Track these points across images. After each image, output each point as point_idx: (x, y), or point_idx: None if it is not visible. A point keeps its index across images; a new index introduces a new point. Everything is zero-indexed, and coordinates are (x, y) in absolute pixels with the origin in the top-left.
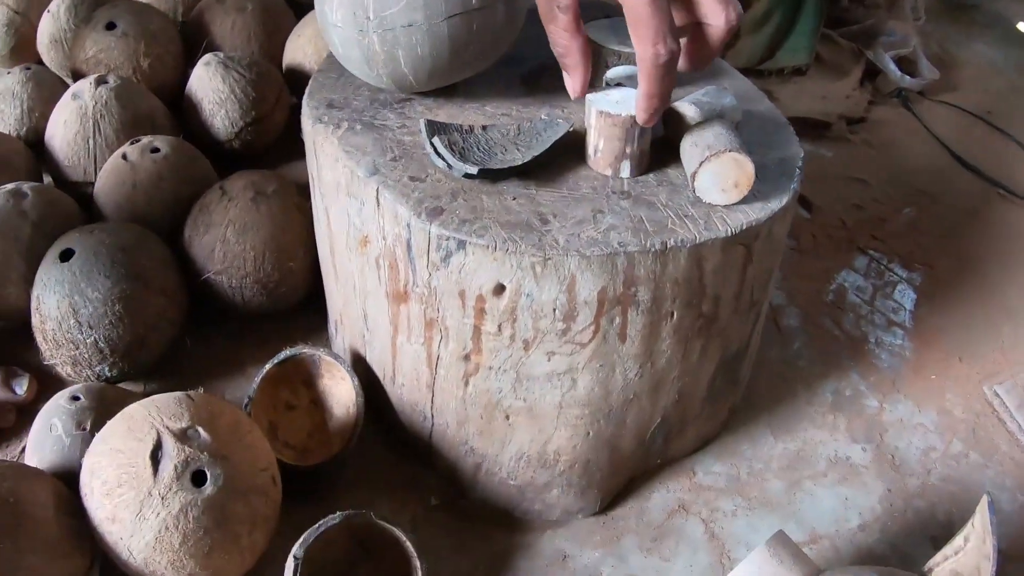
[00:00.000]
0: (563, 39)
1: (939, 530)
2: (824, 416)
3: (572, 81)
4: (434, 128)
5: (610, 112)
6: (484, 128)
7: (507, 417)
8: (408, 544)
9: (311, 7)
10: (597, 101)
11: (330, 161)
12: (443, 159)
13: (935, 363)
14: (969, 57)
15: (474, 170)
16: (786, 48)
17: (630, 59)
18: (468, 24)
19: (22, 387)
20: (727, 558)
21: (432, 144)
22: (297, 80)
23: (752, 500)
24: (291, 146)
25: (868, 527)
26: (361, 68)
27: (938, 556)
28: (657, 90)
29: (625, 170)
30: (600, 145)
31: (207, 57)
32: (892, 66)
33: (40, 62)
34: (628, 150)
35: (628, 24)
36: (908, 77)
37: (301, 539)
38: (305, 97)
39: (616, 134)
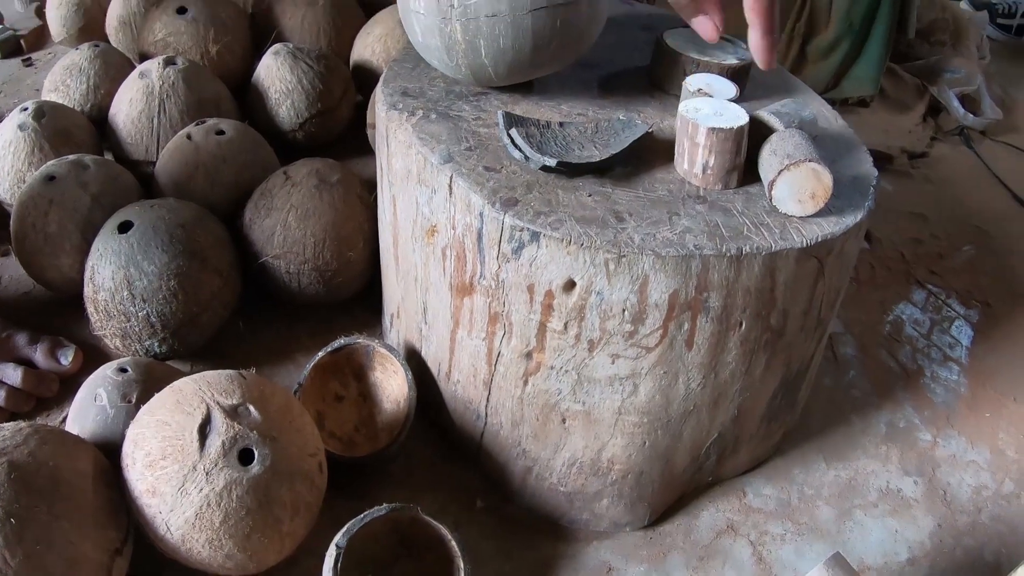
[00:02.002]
0: None
1: (987, 570)
2: (877, 446)
3: (713, 20)
4: (512, 120)
5: (722, 127)
6: (561, 124)
7: (563, 420)
8: (453, 543)
9: (381, 6)
10: (694, 116)
11: (402, 148)
12: (520, 150)
13: (989, 401)
14: None
15: (552, 162)
16: (852, 77)
17: (708, 68)
18: (552, 18)
19: (67, 358)
20: None
21: (509, 135)
22: (364, 77)
23: (801, 526)
24: (354, 142)
25: (917, 562)
26: (440, 57)
27: None
28: (774, 25)
29: (735, 181)
30: (711, 162)
31: (276, 47)
32: (956, 103)
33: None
34: (738, 161)
35: None
36: (971, 115)
37: (345, 528)
38: (380, 84)
39: (729, 148)
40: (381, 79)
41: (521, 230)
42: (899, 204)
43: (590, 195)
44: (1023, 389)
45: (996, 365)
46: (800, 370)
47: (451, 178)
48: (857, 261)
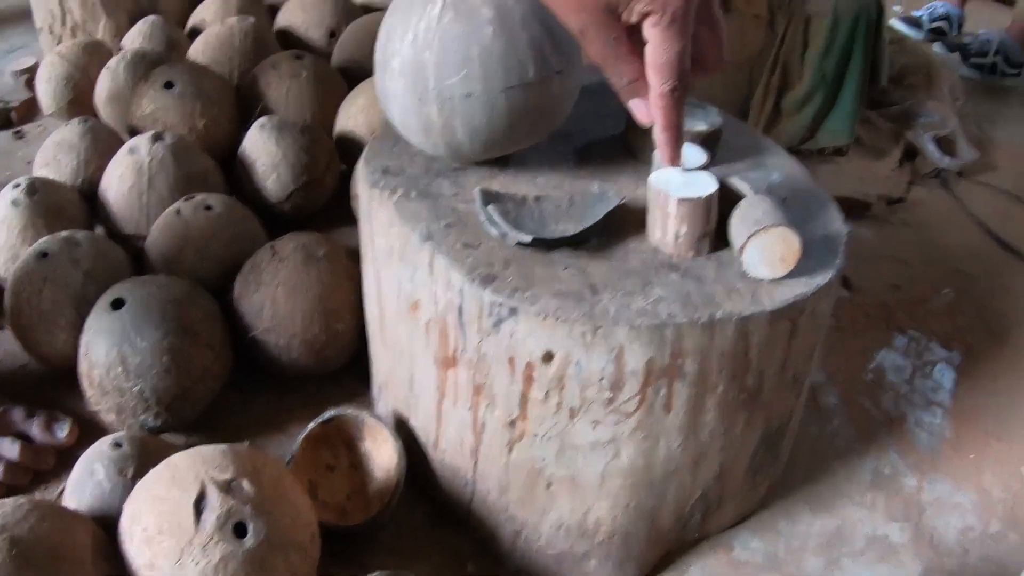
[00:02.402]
0: (626, 64)
1: None
2: (862, 494)
3: (646, 106)
4: (489, 197)
5: (691, 197)
6: (537, 199)
7: (549, 485)
8: None
9: (363, 76)
10: (664, 187)
11: (384, 227)
12: (497, 227)
13: (974, 443)
14: (1007, 137)
15: (527, 238)
16: (826, 129)
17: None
18: (525, 96)
19: (63, 431)
20: None
21: (487, 212)
22: (348, 147)
23: None
24: (339, 211)
25: None
26: (418, 136)
27: None
28: (674, 121)
29: (706, 248)
30: (682, 230)
31: (262, 120)
32: (931, 147)
33: (96, 117)
34: (708, 228)
35: (650, 63)
36: (947, 158)
37: None
38: (361, 163)
39: (699, 216)
40: (363, 157)
41: (500, 306)
42: (878, 250)
43: (566, 268)
44: (1007, 428)
45: (979, 405)
46: (780, 425)
47: (431, 256)
48: (838, 310)
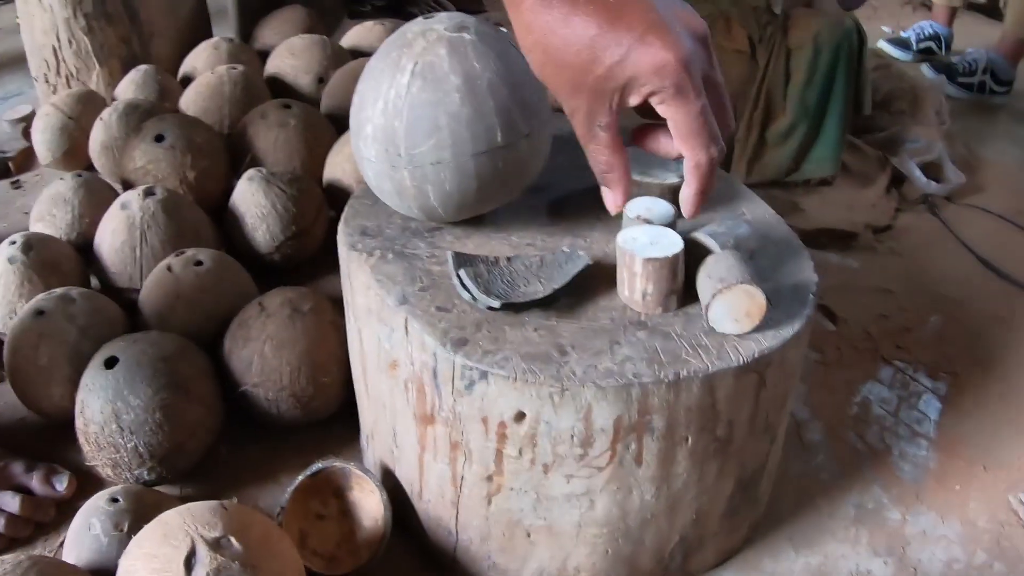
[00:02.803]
0: (604, 156)
1: None
2: (846, 529)
3: (614, 196)
4: (461, 260)
5: (656, 256)
6: (509, 260)
7: (528, 535)
8: None
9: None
10: (631, 247)
11: (363, 288)
12: (468, 292)
13: (959, 472)
14: (995, 157)
15: (497, 304)
16: (811, 160)
17: (649, 189)
18: (494, 161)
19: (62, 484)
20: None
21: (459, 276)
22: (337, 195)
23: None
24: (329, 258)
25: None
26: (393, 199)
27: None
28: (708, 187)
29: (674, 304)
30: (649, 289)
31: (250, 172)
32: (917, 173)
33: (91, 166)
34: (675, 286)
35: (677, 137)
36: (934, 183)
37: None
38: (341, 223)
39: (665, 275)
40: (342, 218)
41: (471, 369)
42: (864, 281)
43: (535, 329)
44: (992, 456)
45: (965, 434)
46: (755, 470)
47: (406, 319)
48: (823, 342)
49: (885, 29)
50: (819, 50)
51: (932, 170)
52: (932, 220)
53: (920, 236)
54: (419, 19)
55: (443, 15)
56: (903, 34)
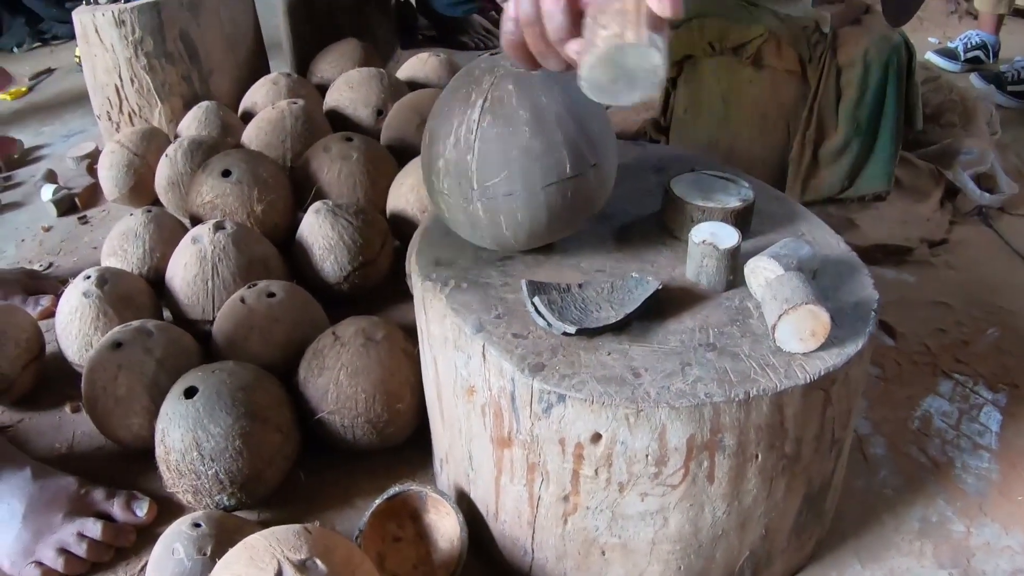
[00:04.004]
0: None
1: None
2: (911, 543)
3: None
4: (535, 288)
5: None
6: (580, 286)
7: (603, 552)
8: None
9: (410, 154)
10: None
11: (438, 317)
12: (544, 318)
13: (1022, 483)
14: None
15: (572, 329)
16: (865, 176)
17: (712, 214)
18: (563, 191)
19: (142, 510)
20: None
21: (533, 304)
22: (400, 225)
23: None
24: (395, 287)
25: None
26: (466, 230)
27: None
28: None
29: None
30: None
31: (317, 205)
32: (971, 185)
33: (157, 201)
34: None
35: None
36: (987, 194)
37: None
38: (415, 254)
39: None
40: (416, 249)
41: (549, 393)
42: (922, 295)
43: (609, 353)
44: None
45: None
46: (822, 485)
47: (483, 346)
48: (882, 359)
49: (932, 40)
50: (869, 67)
51: (985, 181)
52: (987, 232)
53: (975, 248)
54: (485, 55)
55: None
56: (950, 44)
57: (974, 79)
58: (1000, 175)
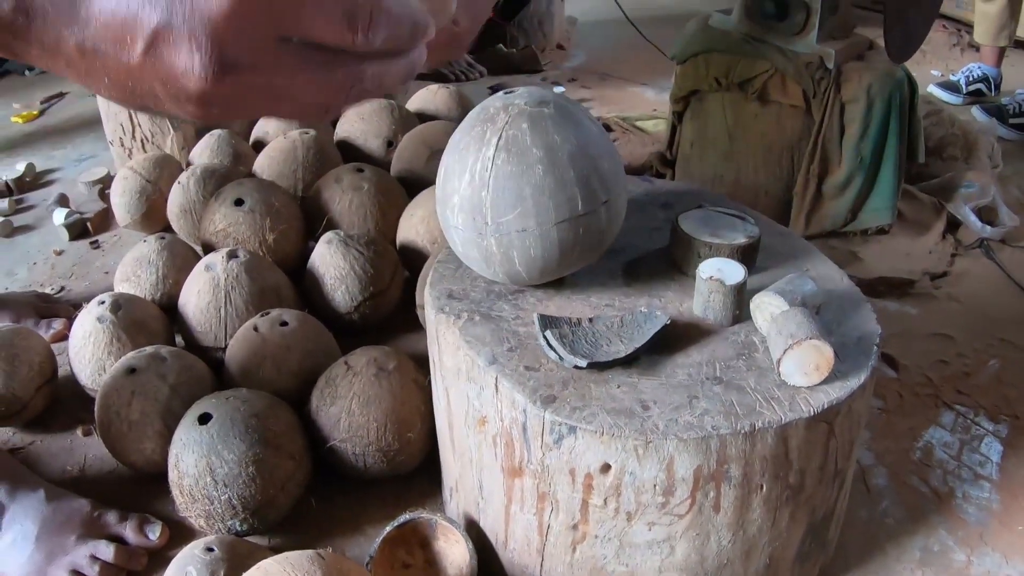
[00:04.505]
0: None
1: None
2: (913, 572)
3: None
4: (546, 322)
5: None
6: (591, 320)
7: None
8: None
9: (420, 185)
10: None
11: (451, 349)
12: (555, 352)
13: (1022, 513)
14: None
15: (583, 363)
16: (868, 210)
17: (719, 250)
18: (575, 228)
19: (155, 533)
20: None
21: (545, 337)
22: (410, 256)
23: None
24: (405, 316)
25: None
26: (479, 265)
27: None
28: None
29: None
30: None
31: (328, 235)
32: (972, 218)
33: (168, 227)
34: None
35: None
36: (989, 227)
37: None
38: (428, 287)
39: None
40: (428, 282)
41: (560, 424)
42: (923, 327)
43: (619, 386)
44: None
45: None
46: (825, 515)
47: (496, 378)
48: (885, 390)
49: (935, 72)
50: (872, 102)
51: (986, 214)
52: (988, 264)
53: (977, 280)
54: (500, 94)
55: (522, 90)
56: (952, 77)
57: (976, 112)
58: (1001, 208)
